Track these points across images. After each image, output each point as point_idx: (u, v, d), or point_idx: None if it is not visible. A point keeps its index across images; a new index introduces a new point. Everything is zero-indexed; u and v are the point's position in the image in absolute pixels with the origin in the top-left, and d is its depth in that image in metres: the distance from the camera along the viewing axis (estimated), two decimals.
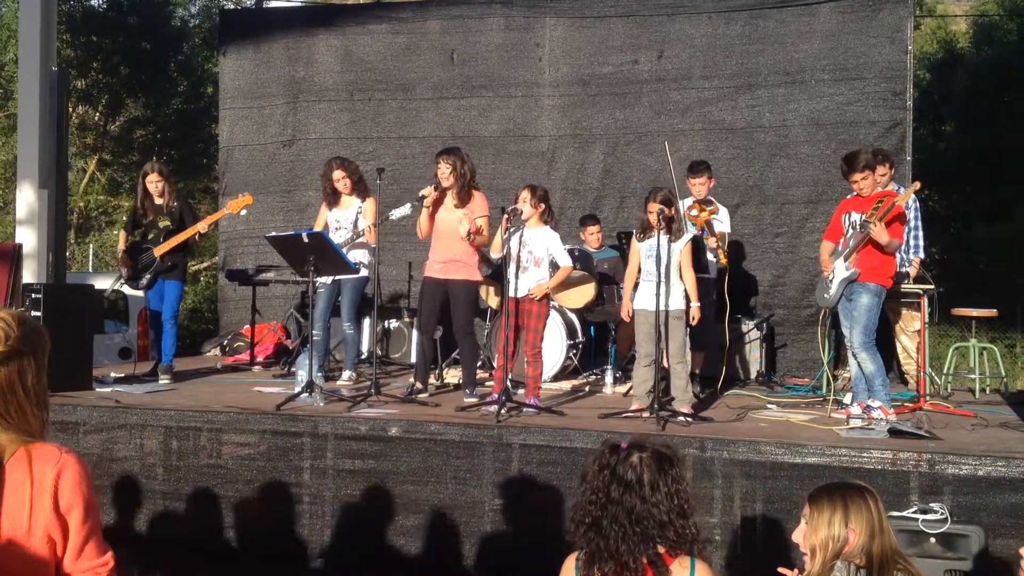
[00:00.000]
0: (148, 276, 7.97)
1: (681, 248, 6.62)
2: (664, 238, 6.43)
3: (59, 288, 7.95)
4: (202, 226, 7.93)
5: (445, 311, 7.35)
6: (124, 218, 20.70)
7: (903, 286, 7.52)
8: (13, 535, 2.33)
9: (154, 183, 8.03)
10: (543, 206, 6.87)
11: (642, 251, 6.71)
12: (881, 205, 6.46)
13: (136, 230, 8.18)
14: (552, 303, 7.38)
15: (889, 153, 8.22)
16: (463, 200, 7.19)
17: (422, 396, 7.18)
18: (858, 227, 6.62)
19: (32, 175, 8.71)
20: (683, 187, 8.08)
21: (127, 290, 10.72)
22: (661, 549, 2.75)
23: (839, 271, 6.61)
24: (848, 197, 6.92)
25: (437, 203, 7.27)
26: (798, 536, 3.22)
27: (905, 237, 7.61)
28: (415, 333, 8.32)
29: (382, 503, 5.83)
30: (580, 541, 2.85)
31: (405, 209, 7.51)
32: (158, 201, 8.05)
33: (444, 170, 7.14)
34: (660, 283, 6.36)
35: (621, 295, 8.57)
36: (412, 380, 7.45)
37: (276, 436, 6.09)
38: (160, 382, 7.84)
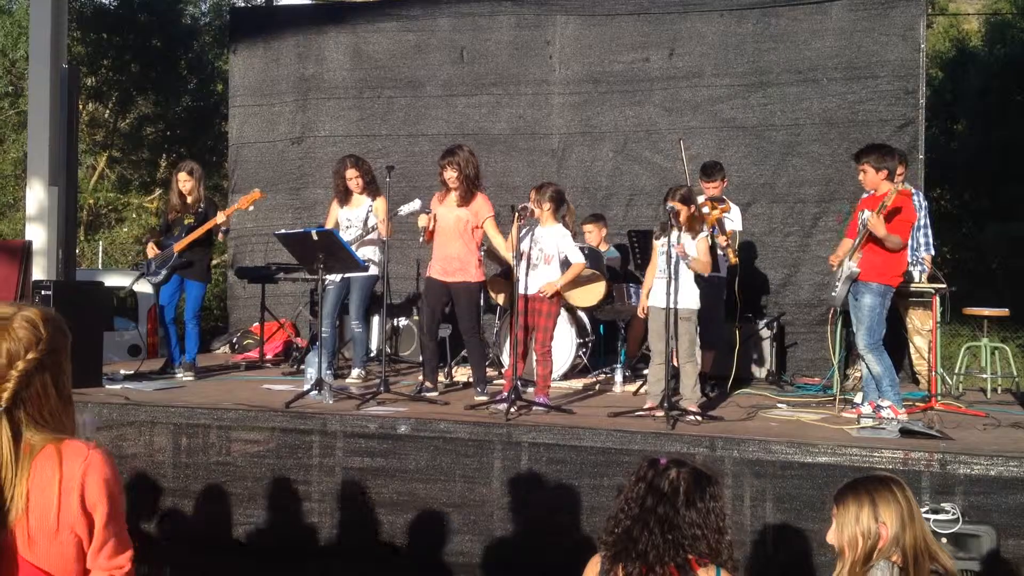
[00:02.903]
0: (164, 271, 8.02)
1: (696, 242, 6.60)
2: (674, 236, 6.42)
3: (69, 285, 7.95)
4: (221, 216, 8.01)
5: (452, 310, 7.34)
6: (133, 215, 20.84)
7: (913, 286, 7.47)
8: (41, 532, 2.32)
9: (183, 182, 8.14)
10: (550, 204, 6.84)
11: (657, 249, 6.70)
12: (887, 204, 6.37)
13: (167, 229, 8.27)
14: (561, 301, 7.36)
15: (903, 152, 8.17)
16: (466, 200, 7.17)
17: (431, 395, 7.17)
18: (862, 224, 6.56)
19: (42, 172, 8.71)
20: (696, 188, 8.04)
21: (137, 287, 10.74)
22: (691, 557, 2.73)
23: (845, 268, 6.55)
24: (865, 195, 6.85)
25: (439, 200, 7.26)
26: (831, 538, 3.08)
27: (915, 235, 7.56)
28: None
29: (391, 501, 5.83)
30: (607, 545, 2.84)
31: (414, 205, 7.50)
32: (189, 200, 8.15)
33: (451, 174, 7.11)
34: (670, 281, 6.34)
35: (630, 293, 8.57)
36: (421, 379, 7.44)
37: (285, 434, 6.09)
38: (183, 378, 7.91)
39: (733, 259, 7.76)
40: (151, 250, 8.12)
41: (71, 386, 2.46)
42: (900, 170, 7.65)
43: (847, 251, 6.68)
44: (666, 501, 2.76)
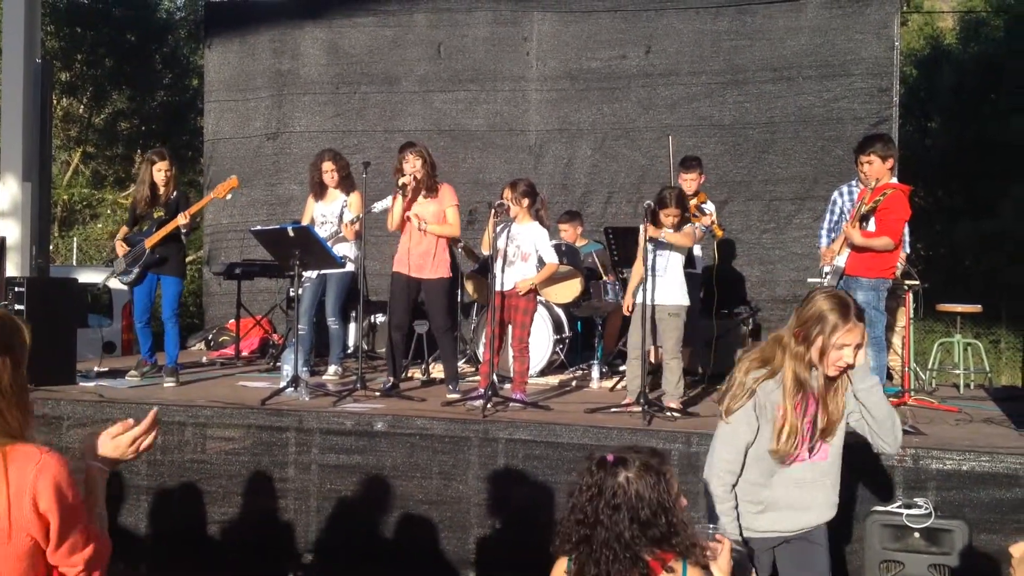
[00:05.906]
0: (136, 269, 7.57)
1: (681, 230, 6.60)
2: (657, 233, 6.43)
3: (42, 282, 7.87)
4: (181, 218, 7.43)
5: (423, 306, 7.29)
6: (108, 211, 20.66)
7: None
8: None
9: (162, 171, 7.63)
10: (526, 201, 6.81)
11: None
12: (881, 200, 6.31)
13: (135, 224, 7.86)
14: (539, 298, 7.36)
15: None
16: (432, 191, 7.12)
17: (414, 379, 7.09)
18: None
19: (15, 168, 8.63)
20: (674, 182, 8.08)
21: (112, 284, 10.63)
22: (648, 558, 2.63)
23: (838, 261, 6.50)
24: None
25: (411, 196, 7.17)
26: None
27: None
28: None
29: (367, 498, 5.81)
30: (570, 551, 2.75)
31: (387, 202, 7.43)
32: (161, 191, 7.66)
33: (415, 162, 7.00)
34: (647, 278, 6.36)
35: (607, 290, 8.57)
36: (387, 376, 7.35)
37: (261, 431, 6.06)
38: (165, 384, 7.37)
39: (719, 233, 7.79)
40: (120, 247, 7.71)
41: (24, 391, 2.45)
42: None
43: (841, 244, 6.60)
44: (619, 512, 2.64)
